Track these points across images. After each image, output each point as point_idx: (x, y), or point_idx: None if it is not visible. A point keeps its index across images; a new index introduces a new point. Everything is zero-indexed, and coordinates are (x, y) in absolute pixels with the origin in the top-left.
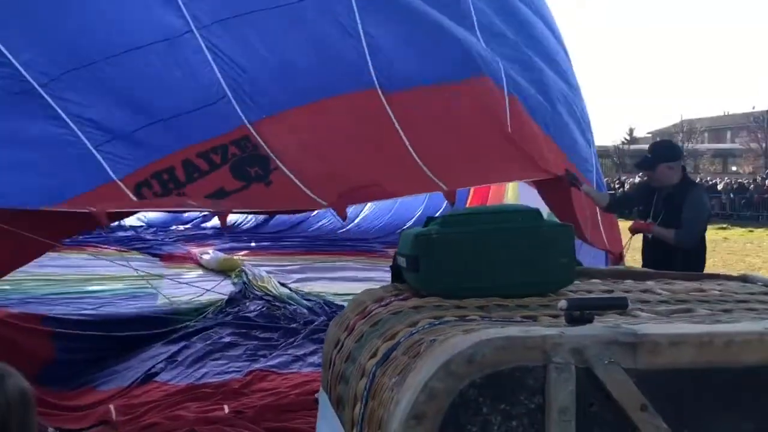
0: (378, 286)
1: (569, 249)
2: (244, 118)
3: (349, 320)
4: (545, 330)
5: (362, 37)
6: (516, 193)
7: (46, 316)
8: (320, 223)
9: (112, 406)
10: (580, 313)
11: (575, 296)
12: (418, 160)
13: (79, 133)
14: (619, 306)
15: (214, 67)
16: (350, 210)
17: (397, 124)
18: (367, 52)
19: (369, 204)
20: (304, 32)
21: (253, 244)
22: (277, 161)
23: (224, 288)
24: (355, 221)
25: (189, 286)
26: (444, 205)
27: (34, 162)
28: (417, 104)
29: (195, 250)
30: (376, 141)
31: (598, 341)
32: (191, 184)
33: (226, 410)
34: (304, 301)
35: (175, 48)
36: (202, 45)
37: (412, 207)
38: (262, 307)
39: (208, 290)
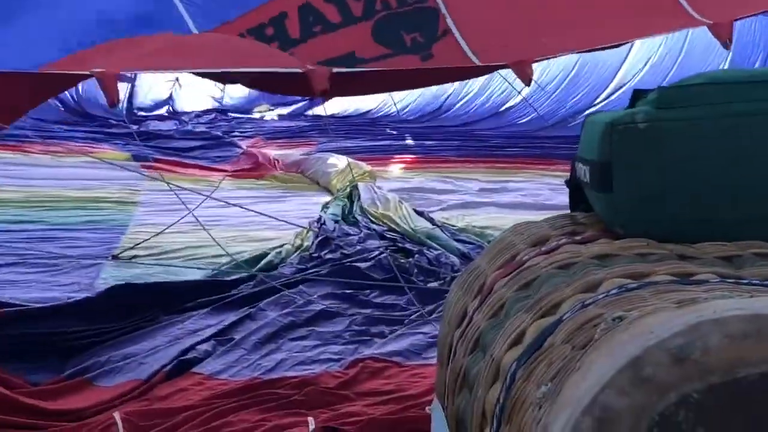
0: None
1: None
2: None
3: (483, 278)
4: None
5: None
6: None
7: None
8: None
9: (117, 415)
10: None
11: None
12: None
13: None
14: None
15: None
16: (584, 92)
17: None
18: None
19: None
20: None
21: (409, 140)
22: (449, 20)
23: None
24: (589, 110)
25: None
26: None
27: None
28: None
29: (275, 153)
30: None
31: None
32: (310, 40)
33: (312, 426)
34: (455, 243)
35: None
36: None
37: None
38: (382, 252)
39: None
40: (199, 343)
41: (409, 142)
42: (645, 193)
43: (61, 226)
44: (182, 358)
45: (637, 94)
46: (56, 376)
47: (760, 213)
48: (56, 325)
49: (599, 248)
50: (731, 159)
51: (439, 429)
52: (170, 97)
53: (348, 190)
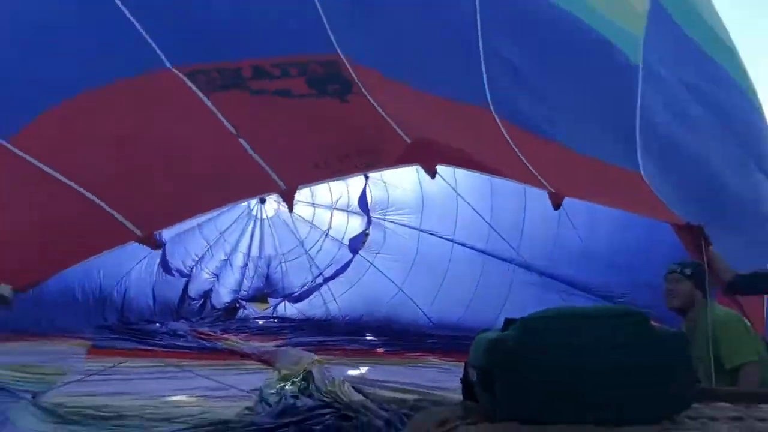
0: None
1: (685, 363)
2: (339, 50)
3: None
4: None
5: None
6: None
7: None
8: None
9: None
10: None
11: (693, 424)
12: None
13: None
14: None
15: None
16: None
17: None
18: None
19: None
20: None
21: (370, 337)
22: (362, 88)
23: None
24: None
25: None
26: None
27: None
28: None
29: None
30: (475, 128)
31: None
32: (257, 81)
33: None
34: (382, 412)
35: None
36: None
37: None
38: (329, 419)
39: None
40: None
41: (371, 338)
42: (513, 392)
43: None
44: None
45: (508, 322)
46: None
47: (590, 408)
48: None
49: (483, 429)
50: (568, 369)
51: None
52: (212, 288)
53: (300, 375)
